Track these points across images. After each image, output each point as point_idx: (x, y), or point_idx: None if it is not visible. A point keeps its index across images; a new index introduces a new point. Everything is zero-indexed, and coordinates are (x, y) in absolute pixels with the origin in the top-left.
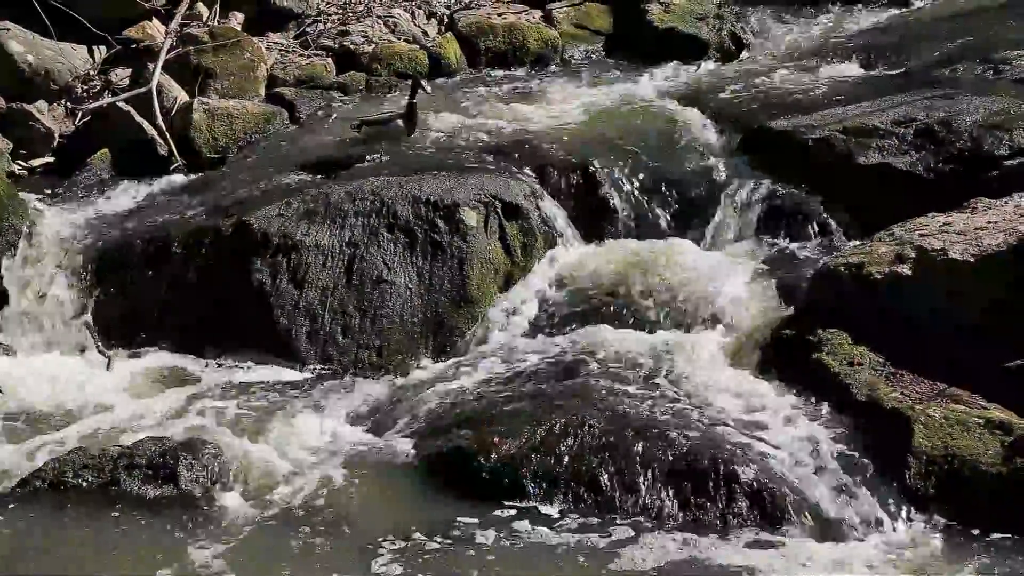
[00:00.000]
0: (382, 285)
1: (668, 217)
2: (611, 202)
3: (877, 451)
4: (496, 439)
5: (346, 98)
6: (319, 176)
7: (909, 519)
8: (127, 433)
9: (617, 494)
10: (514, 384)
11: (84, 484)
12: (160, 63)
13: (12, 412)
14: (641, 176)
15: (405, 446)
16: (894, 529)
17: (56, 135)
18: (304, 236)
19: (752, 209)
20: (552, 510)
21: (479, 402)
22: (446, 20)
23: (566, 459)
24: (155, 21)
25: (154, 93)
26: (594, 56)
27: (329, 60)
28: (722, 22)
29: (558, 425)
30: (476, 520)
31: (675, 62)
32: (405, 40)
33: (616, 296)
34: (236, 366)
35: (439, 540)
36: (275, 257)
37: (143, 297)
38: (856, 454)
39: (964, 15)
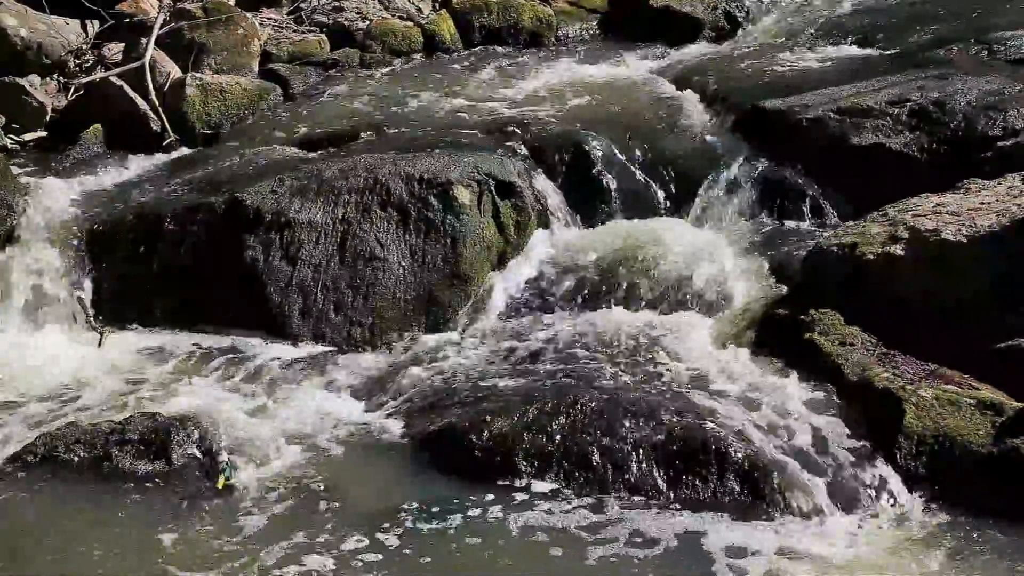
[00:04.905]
0: (375, 262)
1: (662, 196)
2: (605, 181)
3: (868, 431)
4: (488, 417)
5: (340, 75)
6: (312, 153)
7: (899, 498)
8: (119, 408)
9: (609, 472)
10: (506, 362)
11: (76, 459)
12: (153, 38)
13: (3, 388)
14: (635, 155)
15: (397, 423)
16: (884, 508)
17: (48, 109)
18: (297, 213)
19: (746, 189)
20: (544, 488)
21: (471, 380)
22: None
23: (558, 437)
24: None
25: (147, 68)
26: (588, 34)
27: (323, 36)
28: (717, 1)
29: (550, 403)
30: (468, 497)
31: (670, 41)
32: (399, 17)
33: (609, 275)
34: (228, 343)
35: (431, 517)
36: (268, 234)
37: (135, 273)
38: (847, 434)
39: None
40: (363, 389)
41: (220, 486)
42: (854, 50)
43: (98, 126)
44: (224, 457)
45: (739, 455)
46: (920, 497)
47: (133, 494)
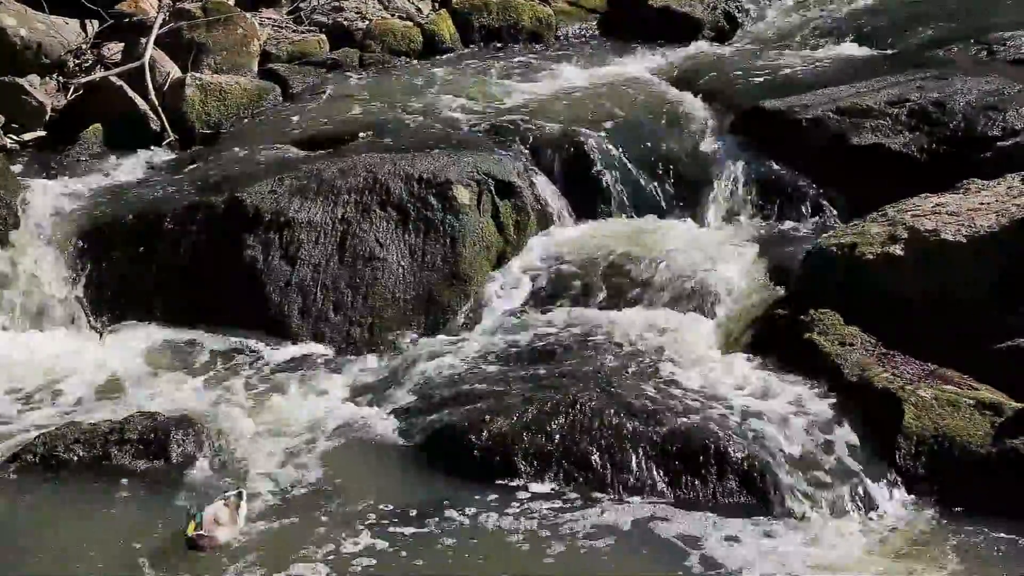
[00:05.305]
0: (374, 262)
1: (661, 196)
2: (604, 181)
3: (868, 431)
4: (488, 417)
5: (339, 74)
6: (312, 152)
7: (899, 499)
8: (118, 408)
9: (608, 472)
10: (506, 362)
11: (75, 459)
12: (152, 38)
13: (3, 387)
14: (635, 155)
15: (396, 423)
16: (884, 509)
17: (48, 109)
18: (296, 212)
19: (745, 189)
20: (543, 488)
21: (470, 380)
22: None
23: (557, 437)
24: None
25: (147, 68)
26: (588, 34)
27: (323, 36)
28: (717, 1)
29: (549, 403)
30: (467, 497)
31: (669, 41)
32: (399, 16)
33: (608, 275)
34: (228, 342)
35: (430, 517)
36: (267, 233)
37: (135, 272)
38: (847, 434)
39: None
40: (362, 389)
41: (190, 533)
42: (854, 50)
43: (98, 126)
44: (196, 506)
45: (738, 456)
46: (920, 497)
47: (132, 493)
